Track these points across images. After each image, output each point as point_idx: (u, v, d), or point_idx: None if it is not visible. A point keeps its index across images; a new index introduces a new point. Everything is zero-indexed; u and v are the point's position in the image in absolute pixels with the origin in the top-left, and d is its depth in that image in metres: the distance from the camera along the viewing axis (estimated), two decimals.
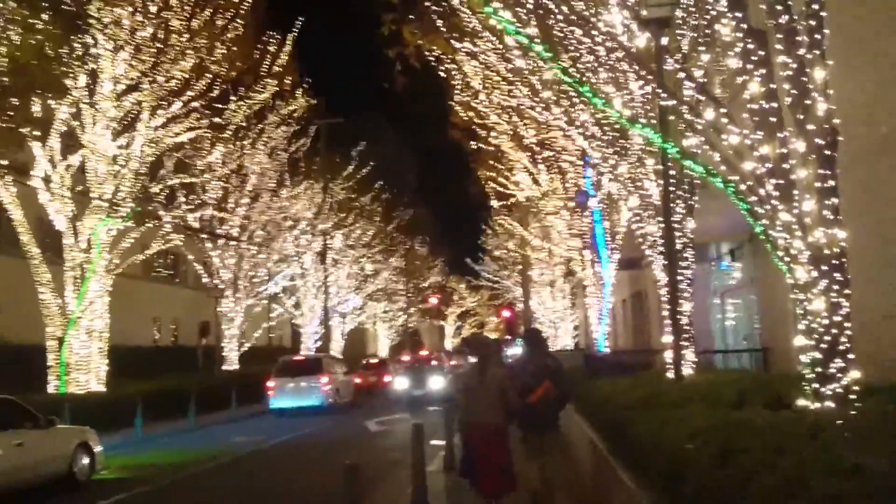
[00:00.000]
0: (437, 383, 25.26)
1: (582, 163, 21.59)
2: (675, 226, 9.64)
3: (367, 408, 25.98)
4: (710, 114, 5.71)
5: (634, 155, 10.20)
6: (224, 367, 30.48)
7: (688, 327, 10.34)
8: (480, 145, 21.70)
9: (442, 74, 14.91)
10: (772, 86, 5.12)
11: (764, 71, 5.13)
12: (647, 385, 8.35)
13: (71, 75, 17.82)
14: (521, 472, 7.14)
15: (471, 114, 21.48)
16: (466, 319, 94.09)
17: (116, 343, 25.13)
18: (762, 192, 5.33)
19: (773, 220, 5.37)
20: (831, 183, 5.06)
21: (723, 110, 5.50)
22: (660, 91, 6.40)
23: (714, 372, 10.41)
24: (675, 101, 6.11)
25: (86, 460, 12.29)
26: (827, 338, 4.94)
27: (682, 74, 6.32)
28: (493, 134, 20.96)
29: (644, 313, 26.27)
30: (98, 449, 12.67)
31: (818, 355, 5.00)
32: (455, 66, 14.41)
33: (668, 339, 10.49)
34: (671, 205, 8.74)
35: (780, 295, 12.05)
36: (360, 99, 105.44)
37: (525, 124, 19.67)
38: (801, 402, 5.02)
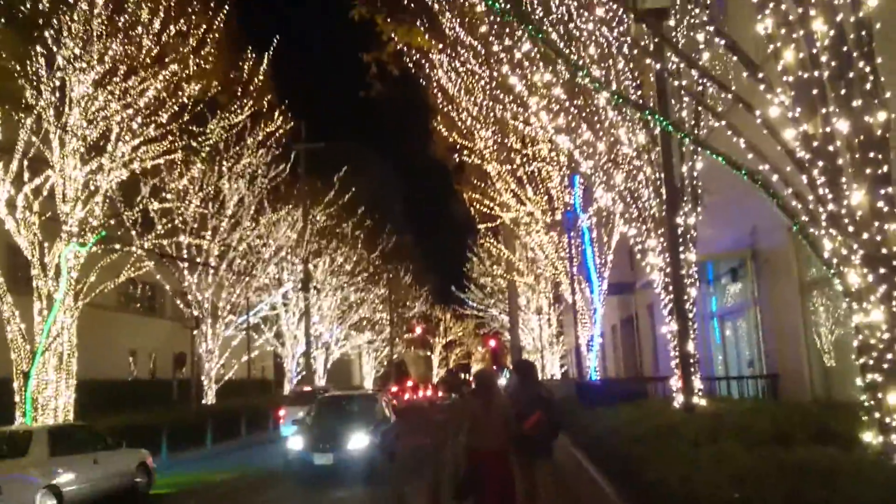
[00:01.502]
0: (359, 441, 15.13)
1: (569, 182, 20.81)
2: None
3: None
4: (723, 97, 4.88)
5: (629, 161, 9.37)
6: (203, 402, 29.19)
7: (694, 352, 9.48)
8: (464, 159, 20.89)
9: (421, 82, 14.10)
10: (813, 51, 4.28)
11: (801, 34, 4.29)
12: (655, 415, 7.41)
13: (31, 89, 16.88)
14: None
15: (454, 134, 20.73)
16: (452, 349, 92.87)
17: (89, 377, 24.14)
18: (803, 180, 4.45)
19: (816, 214, 4.50)
20: (885, 169, 4.21)
21: (760, 75, 4.62)
22: (659, 66, 5.54)
23: (725, 401, 9.48)
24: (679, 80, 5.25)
25: (145, 477, 14.85)
26: (889, 356, 4.04)
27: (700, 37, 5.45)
28: (476, 149, 20.15)
29: (635, 340, 25.45)
30: (153, 468, 15.31)
31: (878, 377, 4.09)
32: (434, 70, 13.54)
33: (674, 364, 9.62)
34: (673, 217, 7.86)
35: (788, 316, 11.23)
36: (339, 123, 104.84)
37: (509, 141, 18.89)
38: (868, 436, 4.08)
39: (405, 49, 12.02)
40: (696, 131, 6.20)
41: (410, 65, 12.50)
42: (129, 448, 14.95)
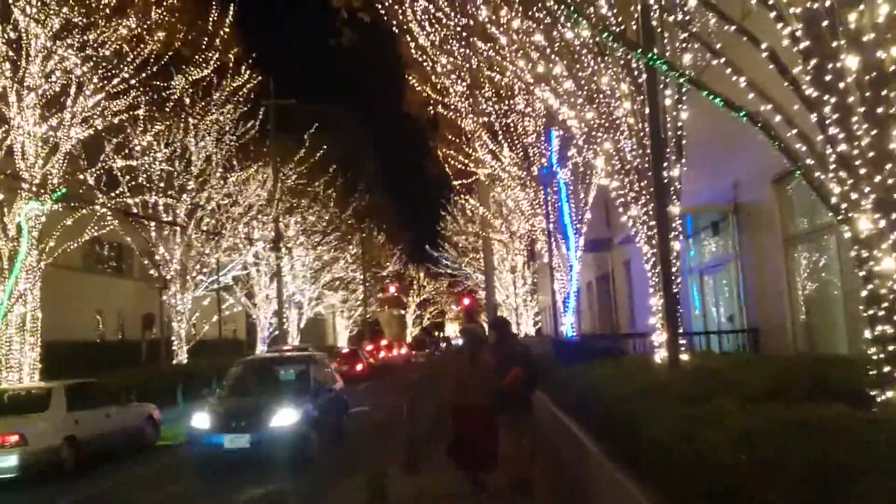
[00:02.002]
0: (286, 417, 12.06)
1: (545, 136, 20.43)
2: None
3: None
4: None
5: (612, 111, 9.02)
6: (174, 362, 28.75)
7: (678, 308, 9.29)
8: (439, 111, 20.34)
9: (394, 30, 13.51)
10: None
11: None
12: (639, 372, 7.20)
13: None
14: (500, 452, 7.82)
15: (427, 88, 20.18)
16: (427, 308, 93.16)
17: (55, 338, 23.68)
18: (812, 119, 4.14)
19: (824, 157, 4.21)
20: None
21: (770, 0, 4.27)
22: None
23: (707, 356, 9.31)
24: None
25: (152, 429, 16.16)
26: None
27: None
28: (451, 103, 19.64)
29: (611, 296, 25.41)
30: (160, 421, 16.56)
31: (889, 329, 3.85)
32: (406, 16, 12.94)
33: (654, 319, 9.41)
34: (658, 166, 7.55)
35: (771, 270, 11.09)
36: (310, 79, 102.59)
37: (484, 93, 18.39)
38: (891, 393, 3.84)
39: None
40: (685, 72, 5.82)
41: (382, 11, 11.94)
42: (139, 402, 16.36)
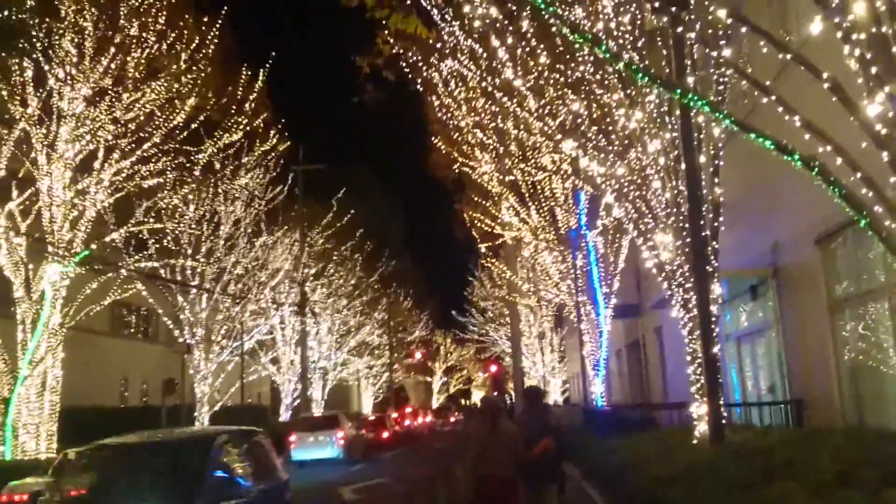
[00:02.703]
0: None
1: (573, 198, 20.06)
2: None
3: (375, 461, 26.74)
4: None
5: (641, 158, 8.59)
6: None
7: (718, 377, 8.66)
8: (464, 169, 20.14)
9: (418, 88, 13.36)
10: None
11: None
12: (681, 449, 6.55)
13: (15, 100, 16.26)
14: None
15: (453, 151, 20.05)
16: (453, 375, 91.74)
17: (76, 403, 23.34)
18: (883, 157, 3.66)
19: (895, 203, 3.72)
20: None
21: (835, 19, 3.84)
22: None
23: (749, 430, 8.61)
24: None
25: None
26: None
27: None
28: (476, 164, 19.41)
29: (642, 365, 24.56)
30: None
31: None
32: (430, 72, 12.75)
33: (692, 389, 8.78)
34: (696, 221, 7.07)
35: (815, 337, 10.43)
36: (336, 146, 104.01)
37: (510, 151, 18.12)
38: None
39: (401, 52, 11.31)
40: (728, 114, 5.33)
41: (406, 70, 11.78)
42: None
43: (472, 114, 14.56)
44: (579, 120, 9.23)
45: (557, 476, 8.21)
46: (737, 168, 9.38)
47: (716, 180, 8.56)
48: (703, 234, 7.48)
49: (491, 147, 17.77)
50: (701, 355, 7.52)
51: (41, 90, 18.62)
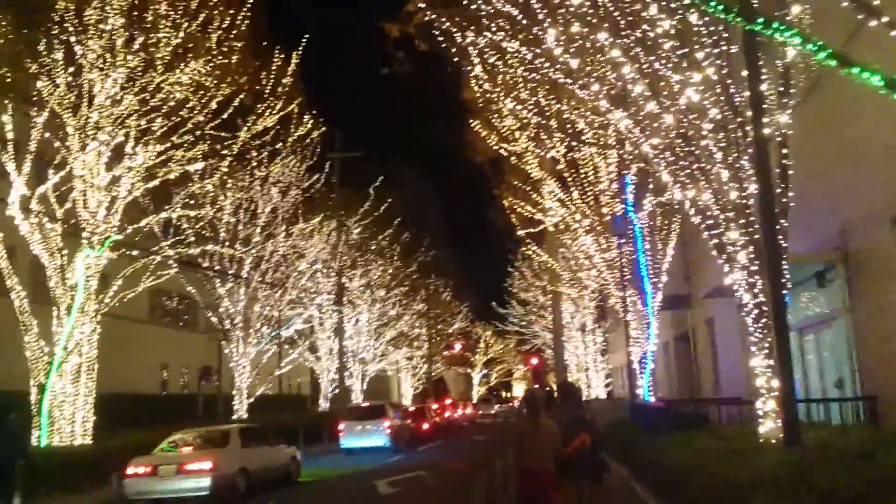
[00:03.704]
0: None
1: (618, 181, 19.08)
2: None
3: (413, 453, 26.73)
4: None
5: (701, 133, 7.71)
6: (234, 418, 27.93)
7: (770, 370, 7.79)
8: (502, 155, 19.31)
9: (453, 60, 12.55)
10: None
11: None
12: (750, 450, 5.72)
13: (45, 81, 15.94)
14: None
15: (491, 134, 19.24)
16: (493, 367, 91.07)
17: (115, 390, 23.26)
18: None
19: None
20: None
21: None
22: None
23: (826, 430, 7.70)
24: None
25: (296, 467, 18.89)
26: None
27: None
28: (516, 143, 18.55)
29: (692, 358, 23.53)
30: (300, 461, 19.30)
31: None
32: (465, 38, 11.85)
33: (759, 382, 7.89)
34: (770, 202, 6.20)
35: (889, 328, 9.45)
36: (372, 136, 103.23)
37: (551, 129, 17.17)
38: None
39: (433, 19, 10.50)
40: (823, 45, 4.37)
41: (440, 38, 10.97)
42: (285, 444, 19.09)
43: (512, 87, 13.70)
44: (630, 86, 8.36)
45: (594, 470, 8.22)
46: (797, 141, 8.43)
47: (784, 151, 7.66)
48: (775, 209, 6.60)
49: (530, 124, 16.83)
50: (771, 345, 6.64)
51: (71, 70, 18.34)
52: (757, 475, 4.26)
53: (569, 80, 9.37)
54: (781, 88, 7.50)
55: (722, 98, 7.50)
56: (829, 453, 5.03)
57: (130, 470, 15.27)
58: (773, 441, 6.74)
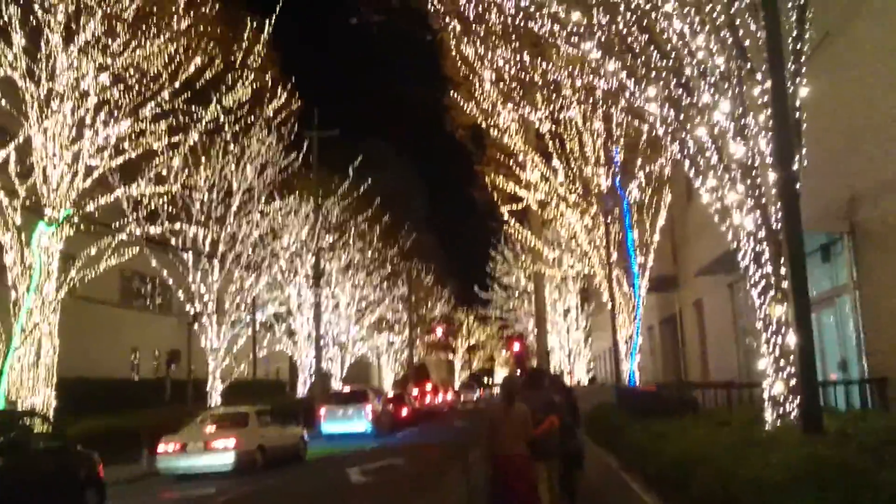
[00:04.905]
0: None
1: (605, 156, 18.22)
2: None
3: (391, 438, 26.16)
4: None
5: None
6: (210, 404, 26.86)
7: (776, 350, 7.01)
8: (484, 129, 18.30)
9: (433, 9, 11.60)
10: None
11: None
12: (760, 437, 4.89)
13: None
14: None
15: (472, 105, 18.34)
16: (475, 353, 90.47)
17: (82, 374, 22.35)
18: None
19: None
20: None
21: None
22: None
23: (834, 414, 6.90)
24: None
25: (304, 446, 20.47)
26: None
27: None
28: (498, 116, 17.66)
29: (678, 341, 22.84)
30: (307, 440, 20.93)
31: None
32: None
33: (764, 364, 7.08)
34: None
35: None
36: (351, 113, 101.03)
37: (534, 99, 16.27)
38: None
39: None
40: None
41: None
42: (293, 425, 21.17)
43: (495, 45, 12.75)
44: (627, 35, 7.46)
45: (575, 455, 8.35)
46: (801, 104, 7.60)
47: (797, 103, 6.83)
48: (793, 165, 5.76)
49: (512, 90, 15.89)
50: (792, 318, 5.82)
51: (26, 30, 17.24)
52: (784, 472, 3.43)
53: (556, 28, 8.44)
54: (795, 33, 6.65)
55: (730, 42, 6.63)
56: (859, 443, 4.21)
57: (161, 447, 16.98)
58: (786, 429, 5.93)
